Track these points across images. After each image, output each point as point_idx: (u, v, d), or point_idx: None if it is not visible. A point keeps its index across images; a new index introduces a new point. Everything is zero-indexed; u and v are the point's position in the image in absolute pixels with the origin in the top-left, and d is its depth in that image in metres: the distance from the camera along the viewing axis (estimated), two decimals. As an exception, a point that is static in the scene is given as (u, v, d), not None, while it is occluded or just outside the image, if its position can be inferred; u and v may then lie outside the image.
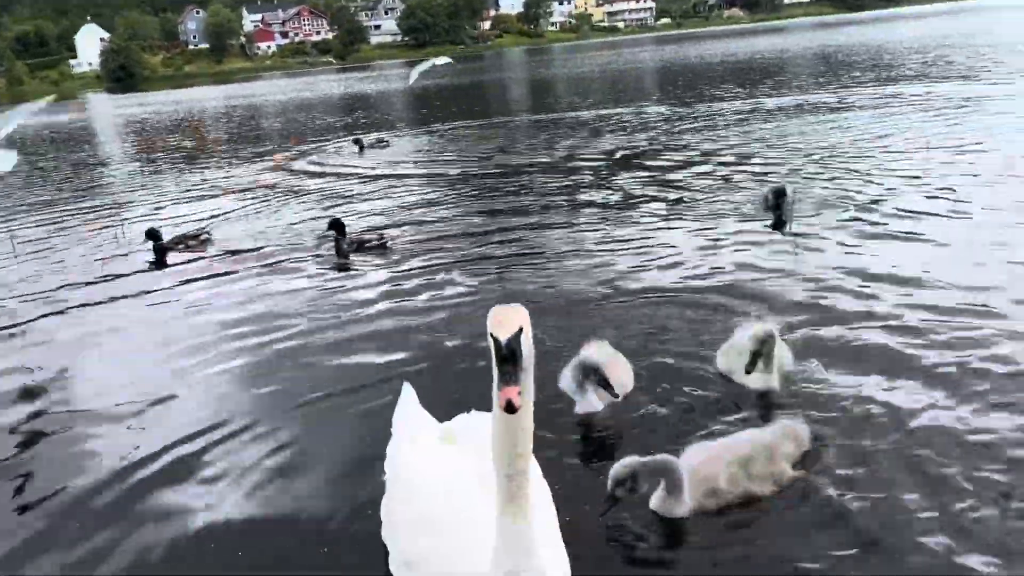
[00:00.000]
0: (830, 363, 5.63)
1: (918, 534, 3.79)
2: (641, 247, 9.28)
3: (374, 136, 23.31)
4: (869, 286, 7.15)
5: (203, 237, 11.28)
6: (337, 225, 10.14)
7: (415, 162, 18.41)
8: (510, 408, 2.65)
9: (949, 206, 9.65)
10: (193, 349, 7.29)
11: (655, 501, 4.04)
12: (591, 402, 5.34)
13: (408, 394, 4.33)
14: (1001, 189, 10.23)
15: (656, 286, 7.84)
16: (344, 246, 10.00)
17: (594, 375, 5.24)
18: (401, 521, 3.51)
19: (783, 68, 37.12)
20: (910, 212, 9.52)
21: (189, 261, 10.58)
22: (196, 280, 9.68)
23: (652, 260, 8.71)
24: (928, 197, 10.15)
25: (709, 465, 4.11)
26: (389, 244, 10.33)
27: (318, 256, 10.24)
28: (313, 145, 23.90)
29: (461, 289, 8.34)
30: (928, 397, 5.06)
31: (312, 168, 18.97)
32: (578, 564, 3.50)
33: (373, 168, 17.82)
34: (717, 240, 9.17)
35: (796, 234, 9.11)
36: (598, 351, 5.50)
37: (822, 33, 74.97)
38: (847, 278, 7.44)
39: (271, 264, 10.07)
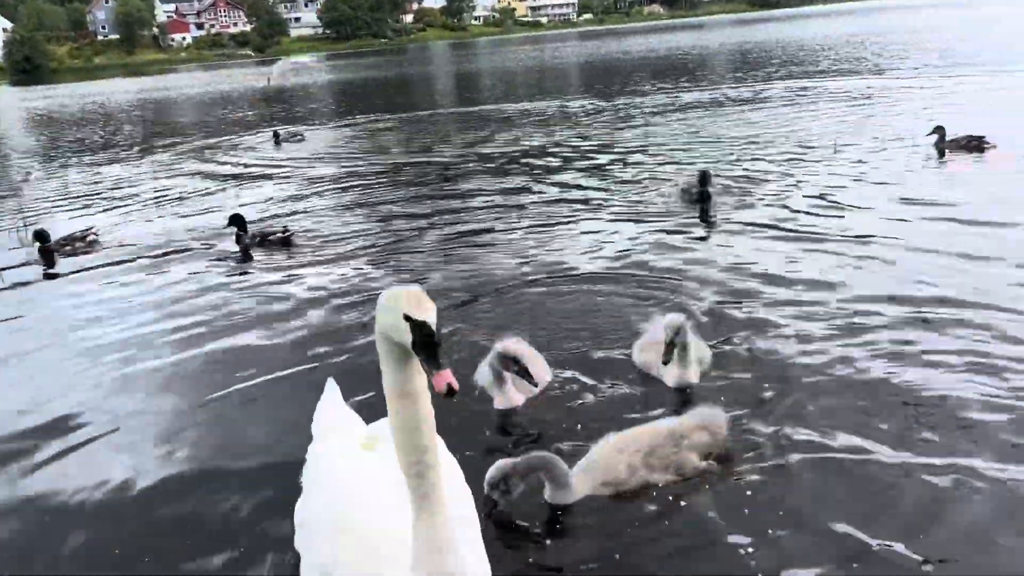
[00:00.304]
0: (751, 355, 5.59)
1: (819, 529, 3.73)
2: (559, 239, 9.21)
3: (291, 129, 22.74)
4: (784, 276, 7.19)
5: (90, 238, 10.60)
6: (238, 220, 9.77)
7: (331, 156, 18.01)
8: (451, 392, 2.60)
9: (855, 195, 9.93)
10: (81, 353, 6.85)
11: (547, 492, 4.09)
12: (511, 397, 5.20)
13: (332, 391, 4.15)
14: (903, 178, 10.59)
15: (573, 278, 7.76)
16: (247, 240, 9.60)
17: (514, 365, 5.10)
18: (317, 528, 3.33)
19: (702, 64, 37.85)
20: (818, 201, 9.72)
21: (78, 262, 9.96)
22: (84, 282, 9.14)
23: (570, 252, 8.64)
24: (833, 187, 10.39)
25: (609, 455, 4.14)
26: (294, 237, 9.97)
27: (219, 252, 9.83)
28: (226, 139, 23.17)
29: (368, 282, 8.10)
30: (852, 385, 5.05)
31: (225, 161, 18.45)
32: (498, 562, 3.40)
33: (286, 162, 17.39)
34: (635, 233, 9.14)
35: (712, 220, 9.19)
36: (515, 344, 5.35)
37: (740, 30, 76.79)
38: (761, 267, 7.49)
39: (167, 262, 9.62)
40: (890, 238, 8.00)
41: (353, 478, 3.36)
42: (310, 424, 4.06)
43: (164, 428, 5.30)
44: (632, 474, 4.06)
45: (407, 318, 2.68)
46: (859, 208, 9.35)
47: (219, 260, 9.48)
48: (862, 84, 22.13)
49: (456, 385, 2.62)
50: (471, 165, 14.96)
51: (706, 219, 9.37)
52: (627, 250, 8.35)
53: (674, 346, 4.98)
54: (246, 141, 22.32)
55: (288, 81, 47.82)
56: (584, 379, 5.49)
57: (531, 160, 14.99)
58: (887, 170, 11.08)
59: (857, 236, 8.19)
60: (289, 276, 8.55)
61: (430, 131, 21.28)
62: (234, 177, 16.12)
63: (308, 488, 3.58)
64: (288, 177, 15.45)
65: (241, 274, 8.79)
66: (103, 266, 9.74)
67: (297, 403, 5.11)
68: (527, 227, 9.79)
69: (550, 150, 15.92)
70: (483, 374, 5.31)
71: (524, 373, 5.09)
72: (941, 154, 11.48)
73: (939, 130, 11.60)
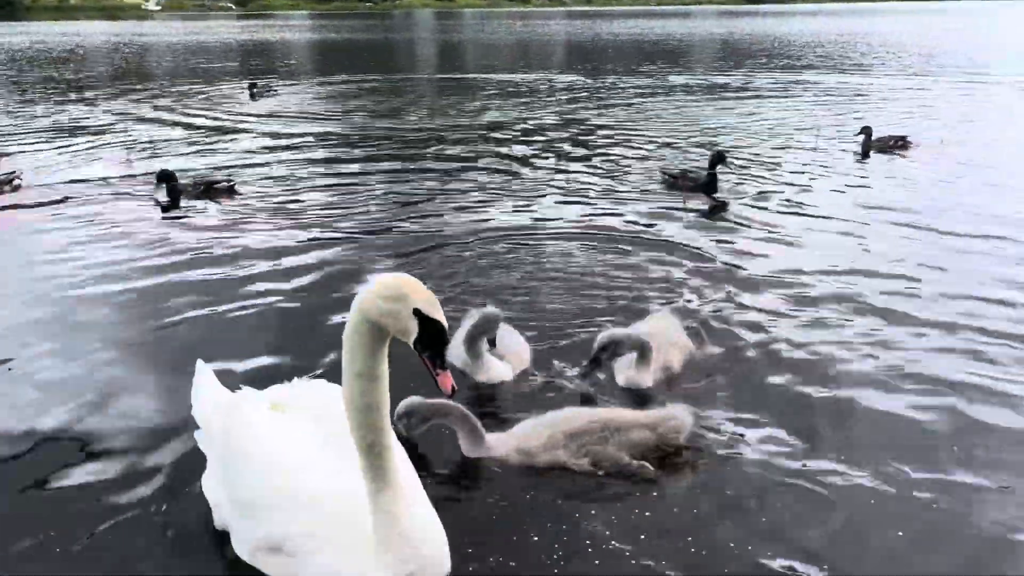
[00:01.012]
0: (729, 351, 5.27)
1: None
2: (533, 212, 8.94)
3: (267, 83, 22.32)
4: (769, 268, 6.93)
5: (15, 181, 9.92)
6: (167, 177, 9.47)
7: (303, 113, 17.63)
8: (454, 392, 2.83)
9: (835, 183, 10.15)
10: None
11: (461, 444, 4.12)
12: (500, 370, 4.85)
13: (205, 374, 3.91)
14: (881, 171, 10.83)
15: (548, 244, 7.60)
16: (181, 190, 9.35)
17: (493, 326, 4.78)
18: (259, 500, 3.15)
19: (690, 50, 37.76)
20: (801, 191, 9.77)
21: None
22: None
23: (548, 227, 8.34)
24: (812, 179, 10.47)
25: (536, 425, 4.08)
26: (237, 188, 9.72)
27: (150, 200, 9.41)
28: (200, 88, 22.76)
29: (301, 241, 7.78)
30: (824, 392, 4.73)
31: (195, 110, 18.03)
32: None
33: (256, 115, 17.02)
34: (620, 213, 8.86)
35: (719, 202, 9.25)
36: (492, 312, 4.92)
37: (727, 21, 76.86)
38: (745, 257, 7.26)
39: (87, 208, 9.06)
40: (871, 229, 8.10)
41: (284, 446, 3.25)
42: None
43: (41, 378, 4.98)
44: (547, 450, 3.96)
45: (418, 313, 2.71)
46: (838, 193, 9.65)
47: (146, 208, 9.07)
48: (834, 80, 22.34)
49: (455, 388, 2.85)
50: (447, 132, 14.63)
51: (718, 195, 9.53)
52: (611, 233, 8.07)
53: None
54: (220, 92, 21.86)
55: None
56: (564, 362, 5.12)
57: (508, 131, 14.78)
58: (817, 166, 11.35)
59: (835, 223, 8.31)
60: (213, 229, 8.22)
61: (408, 96, 20.95)
62: (200, 127, 15.71)
63: (233, 460, 3.34)
64: (254, 131, 15.08)
65: (166, 227, 8.37)
66: (18, 208, 9.22)
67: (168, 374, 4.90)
68: (501, 200, 9.50)
69: (529, 123, 15.73)
70: (456, 351, 4.89)
71: (492, 342, 4.83)
72: (865, 153, 12.01)
73: (866, 130, 12.23)
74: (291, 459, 3.20)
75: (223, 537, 3.36)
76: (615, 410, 4.22)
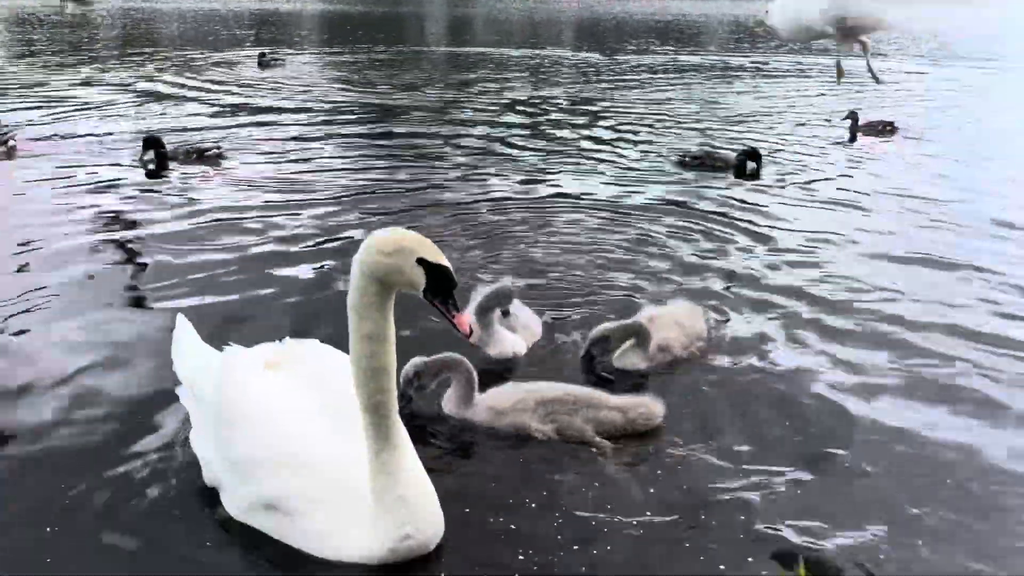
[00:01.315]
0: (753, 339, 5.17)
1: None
2: (547, 187, 8.91)
3: (276, 53, 22.28)
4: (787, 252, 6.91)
5: (10, 143, 9.84)
6: (154, 142, 9.49)
7: (308, 83, 17.62)
8: (472, 332, 2.83)
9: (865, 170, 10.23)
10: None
11: (446, 401, 4.17)
12: (512, 344, 4.76)
13: (185, 327, 3.88)
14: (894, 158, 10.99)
15: (565, 230, 7.41)
16: (168, 155, 9.42)
17: (507, 301, 4.72)
18: (258, 461, 3.17)
19: (704, 31, 37.42)
20: (817, 173, 9.86)
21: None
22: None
23: (563, 202, 8.30)
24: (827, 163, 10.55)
25: (513, 388, 4.15)
26: (227, 155, 9.81)
27: (139, 164, 9.44)
28: (210, 55, 22.82)
29: (292, 207, 7.83)
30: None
31: (203, 77, 18.06)
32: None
33: (262, 85, 17.11)
34: (639, 190, 8.88)
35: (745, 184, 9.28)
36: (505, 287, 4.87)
37: (744, 2, 75.90)
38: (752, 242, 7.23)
39: (77, 171, 9.11)
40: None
41: (280, 405, 3.27)
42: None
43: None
44: (515, 412, 4.02)
45: (422, 262, 2.74)
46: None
47: (136, 173, 9.14)
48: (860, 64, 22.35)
49: (476, 327, 2.79)
50: (455, 108, 14.53)
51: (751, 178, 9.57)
52: (624, 215, 8.01)
53: (591, 358, 4.71)
54: (229, 60, 21.89)
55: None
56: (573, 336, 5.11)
57: (522, 107, 14.73)
58: (803, 149, 11.46)
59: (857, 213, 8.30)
60: (194, 195, 8.26)
61: (418, 70, 20.85)
62: (205, 94, 15.68)
63: (228, 419, 3.32)
64: (257, 100, 15.12)
65: (152, 192, 8.43)
66: (8, 168, 9.28)
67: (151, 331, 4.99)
68: (506, 167, 9.54)
69: (541, 99, 15.70)
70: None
71: (505, 313, 4.77)
72: (853, 137, 12.18)
73: (852, 115, 12.47)
74: (288, 419, 3.21)
75: (212, 493, 3.37)
76: (591, 390, 4.25)
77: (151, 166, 9.39)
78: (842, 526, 3.33)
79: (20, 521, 3.24)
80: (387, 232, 2.84)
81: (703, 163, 9.93)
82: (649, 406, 4.12)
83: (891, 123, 12.64)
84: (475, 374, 4.08)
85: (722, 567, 3.05)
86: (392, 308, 2.89)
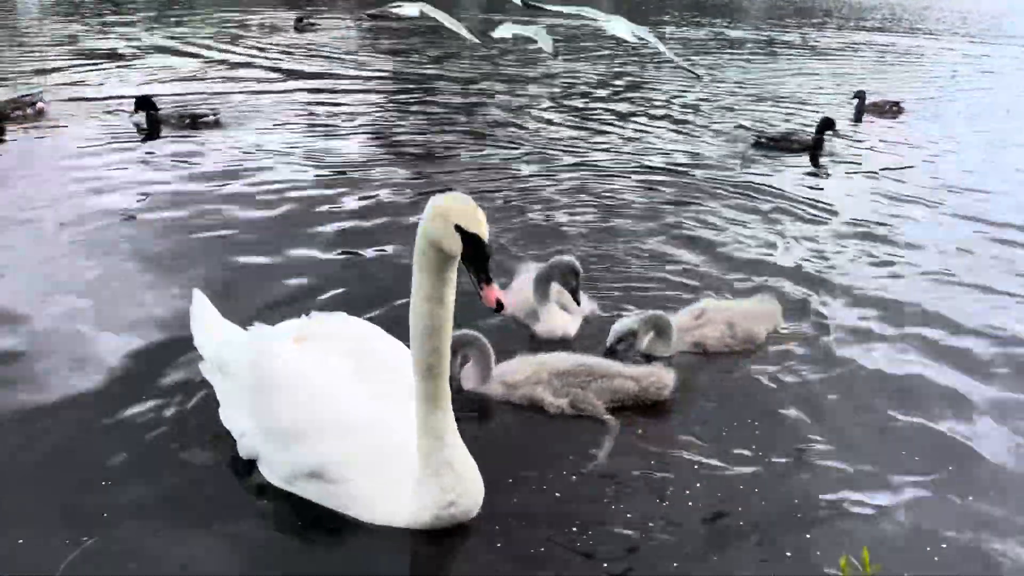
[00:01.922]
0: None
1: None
2: (592, 163, 8.67)
3: (312, 14, 22.21)
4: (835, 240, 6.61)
5: (39, 105, 9.72)
6: (146, 103, 9.22)
7: (339, 50, 17.24)
8: (500, 307, 2.78)
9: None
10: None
11: (466, 375, 4.20)
12: (563, 322, 4.66)
13: (202, 303, 3.90)
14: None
15: (619, 204, 7.24)
16: (160, 119, 9.16)
17: (573, 279, 4.55)
18: (301, 429, 3.23)
19: (750, 5, 36.49)
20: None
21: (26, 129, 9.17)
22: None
23: (614, 178, 8.03)
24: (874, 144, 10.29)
25: (527, 360, 4.18)
26: (223, 121, 9.51)
27: (134, 131, 9.20)
28: (247, 16, 22.68)
29: (279, 176, 7.55)
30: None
31: (237, 39, 17.99)
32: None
33: (294, 49, 16.77)
34: (701, 166, 8.72)
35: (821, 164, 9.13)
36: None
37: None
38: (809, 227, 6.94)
39: (90, 130, 9.05)
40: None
41: (317, 374, 3.34)
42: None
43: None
44: (529, 384, 4.06)
45: (459, 229, 2.73)
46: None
47: (129, 133, 9.02)
48: (900, 41, 21.71)
49: (505, 300, 2.79)
50: (490, 81, 13.99)
51: (821, 160, 9.37)
52: (676, 172, 8.15)
53: (615, 354, 4.48)
54: (266, 23, 21.66)
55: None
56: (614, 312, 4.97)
57: (560, 80, 14.24)
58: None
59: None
60: (181, 160, 8.09)
61: (454, 41, 20.46)
62: (235, 57, 15.45)
63: (266, 391, 3.38)
64: (283, 64, 14.79)
65: (142, 157, 8.24)
66: (36, 129, 9.23)
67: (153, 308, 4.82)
68: (550, 142, 9.30)
69: (582, 73, 15.17)
70: (519, 301, 4.71)
71: (575, 292, 4.60)
72: (859, 116, 12.08)
73: (860, 94, 12.31)
74: (327, 388, 3.29)
75: (243, 465, 3.38)
76: (603, 359, 4.27)
77: (144, 127, 9.17)
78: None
79: (52, 496, 3.17)
80: (440, 196, 2.86)
81: (778, 145, 9.70)
82: (661, 375, 4.16)
83: (898, 103, 12.46)
84: (491, 350, 4.10)
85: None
86: (454, 273, 2.87)
